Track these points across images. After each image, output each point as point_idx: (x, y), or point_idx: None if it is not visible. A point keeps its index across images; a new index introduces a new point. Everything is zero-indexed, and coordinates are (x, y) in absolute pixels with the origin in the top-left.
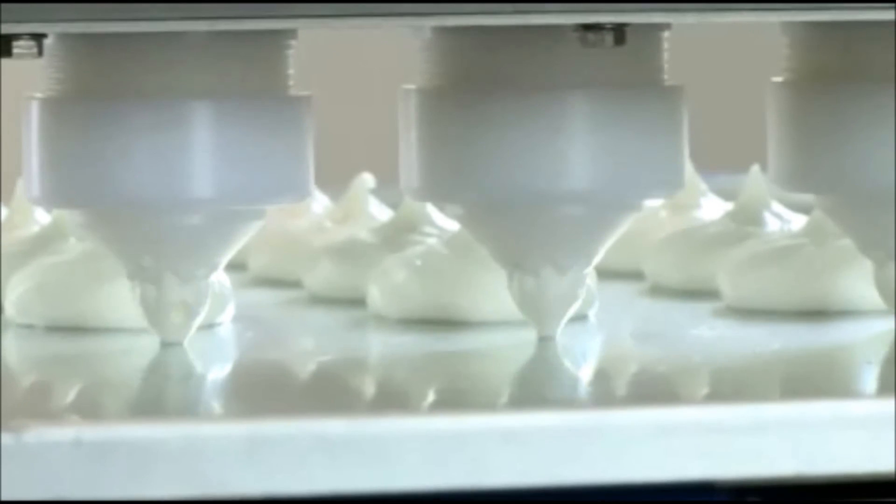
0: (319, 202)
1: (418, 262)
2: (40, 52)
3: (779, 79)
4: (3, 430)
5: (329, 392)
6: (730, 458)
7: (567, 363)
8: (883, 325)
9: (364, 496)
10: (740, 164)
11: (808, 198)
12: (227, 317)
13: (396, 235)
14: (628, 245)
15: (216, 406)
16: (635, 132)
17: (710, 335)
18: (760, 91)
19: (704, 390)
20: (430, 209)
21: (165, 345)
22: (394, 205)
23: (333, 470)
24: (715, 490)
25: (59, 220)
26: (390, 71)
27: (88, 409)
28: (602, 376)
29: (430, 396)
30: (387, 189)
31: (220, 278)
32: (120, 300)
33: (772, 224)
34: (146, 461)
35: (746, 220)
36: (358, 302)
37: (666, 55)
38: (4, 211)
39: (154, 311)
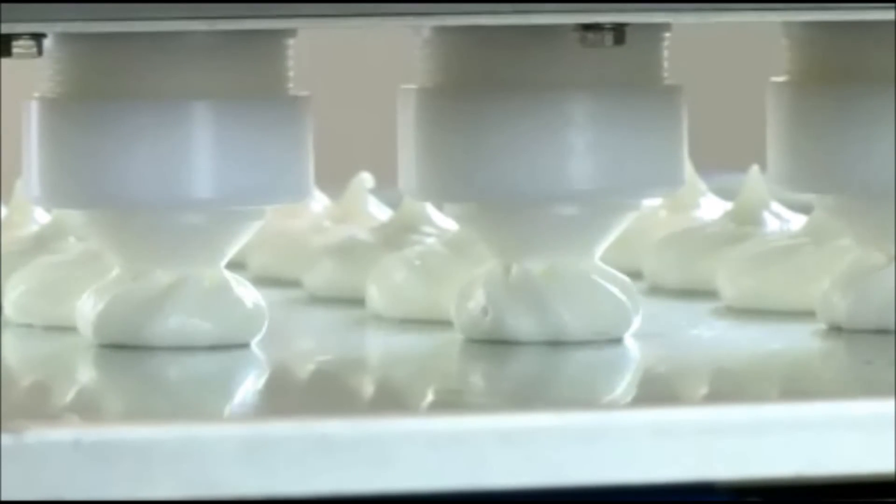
0: (319, 202)
1: (418, 262)
2: (40, 52)
3: (779, 79)
4: (3, 431)
5: (329, 392)
6: (730, 458)
7: (566, 363)
8: None
9: (364, 496)
10: (740, 164)
11: (808, 198)
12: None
13: (396, 235)
14: (627, 245)
15: (216, 406)
16: (635, 132)
17: (709, 335)
18: (760, 91)
19: (704, 390)
20: (430, 209)
21: (165, 345)
22: (393, 205)
23: (333, 470)
24: (715, 490)
25: (59, 220)
26: (390, 71)
27: (88, 409)
28: (602, 376)
29: (430, 396)
30: (386, 189)
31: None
32: None
33: (771, 224)
34: (146, 461)
35: (746, 219)
36: (357, 302)
37: (666, 55)
38: (4, 210)
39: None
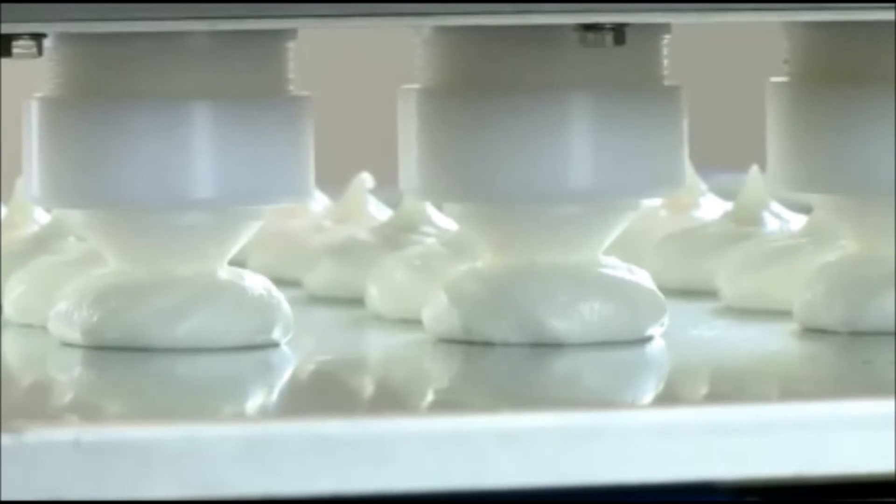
0: (319, 202)
1: (417, 262)
2: (40, 52)
3: (779, 79)
4: (3, 430)
5: (329, 392)
6: (730, 458)
7: (566, 363)
8: None
9: (364, 496)
10: (740, 164)
11: (807, 198)
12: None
13: (395, 235)
14: (628, 245)
15: (216, 406)
16: (635, 132)
17: (709, 335)
18: (760, 91)
19: (704, 390)
20: (430, 209)
21: (164, 345)
22: (393, 205)
23: (333, 470)
24: (715, 490)
25: (59, 219)
26: (390, 71)
27: (88, 409)
28: (602, 376)
29: (430, 396)
30: (386, 189)
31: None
32: None
33: (771, 224)
34: (146, 461)
35: (746, 220)
36: (357, 302)
37: (666, 55)
38: (4, 210)
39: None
